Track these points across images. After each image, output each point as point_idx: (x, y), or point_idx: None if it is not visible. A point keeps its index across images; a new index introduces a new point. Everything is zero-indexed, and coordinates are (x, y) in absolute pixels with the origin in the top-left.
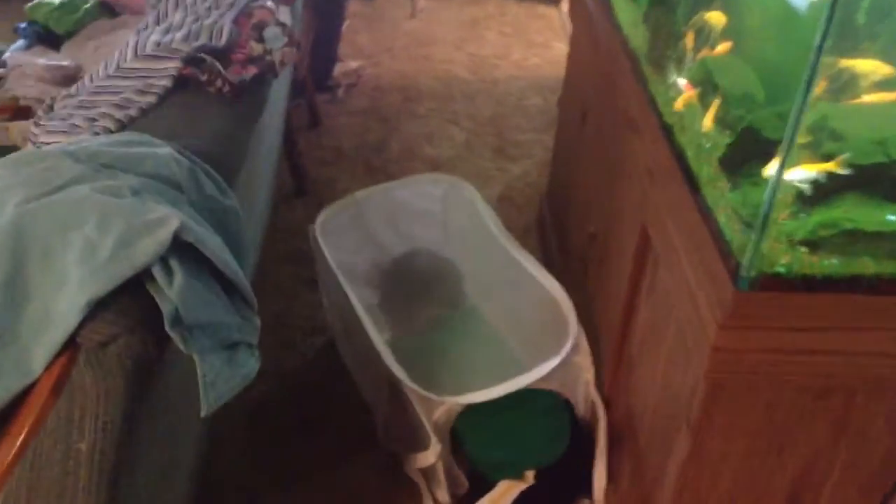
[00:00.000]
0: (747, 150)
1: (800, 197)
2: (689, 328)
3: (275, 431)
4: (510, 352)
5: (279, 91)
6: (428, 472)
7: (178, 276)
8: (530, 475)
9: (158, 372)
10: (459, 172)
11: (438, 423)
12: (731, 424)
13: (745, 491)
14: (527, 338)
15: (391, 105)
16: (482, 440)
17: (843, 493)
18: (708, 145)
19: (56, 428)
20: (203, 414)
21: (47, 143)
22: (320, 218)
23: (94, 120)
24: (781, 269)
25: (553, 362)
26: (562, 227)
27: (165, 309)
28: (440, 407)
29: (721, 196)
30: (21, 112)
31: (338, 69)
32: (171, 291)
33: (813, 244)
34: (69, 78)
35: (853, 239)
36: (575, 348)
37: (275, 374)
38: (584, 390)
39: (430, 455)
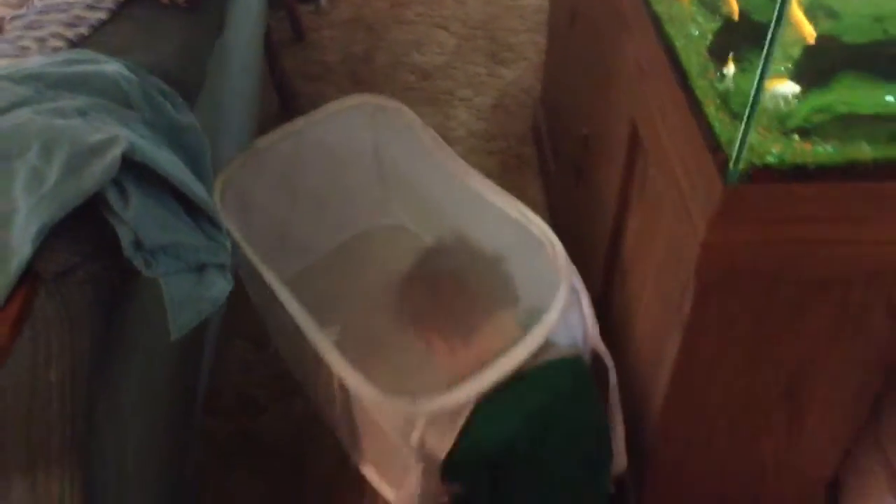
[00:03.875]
0: (735, 36)
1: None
2: (679, 227)
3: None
4: None
5: (250, 1)
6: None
7: (134, 199)
8: None
9: (126, 301)
10: (450, 80)
11: (422, 439)
12: (723, 322)
13: (741, 388)
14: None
15: (377, 12)
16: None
17: (840, 387)
18: (696, 33)
19: (24, 359)
20: (172, 338)
21: None
22: (219, 182)
23: (43, 40)
24: (772, 160)
25: (548, 321)
26: (556, 134)
27: (122, 233)
28: (416, 418)
29: (710, 87)
30: None
31: None
32: (128, 215)
33: (806, 131)
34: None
35: (849, 123)
36: (572, 299)
37: None
38: (588, 343)
39: (411, 480)
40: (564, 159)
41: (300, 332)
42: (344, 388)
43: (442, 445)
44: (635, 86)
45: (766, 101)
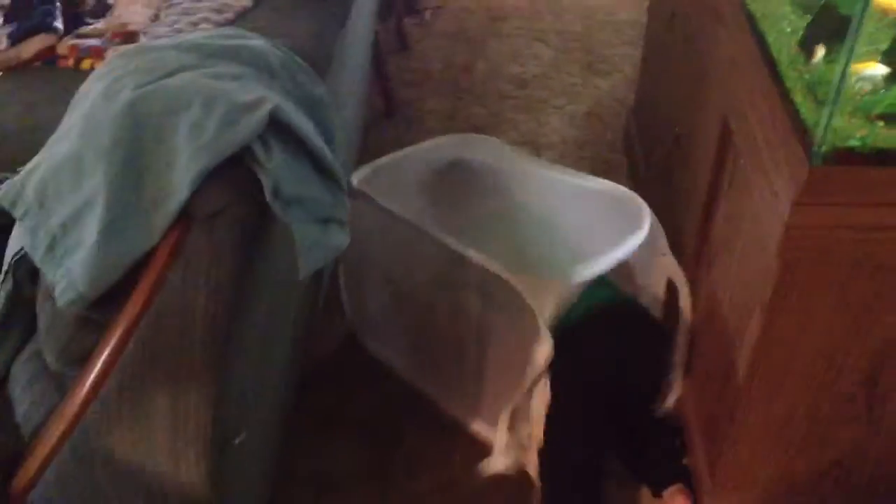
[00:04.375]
0: (824, 29)
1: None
2: (765, 211)
3: None
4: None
5: (366, 6)
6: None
7: (276, 153)
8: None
9: (260, 245)
10: (546, 90)
11: (552, 314)
12: (804, 304)
13: (820, 373)
14: (602, 237)
15: (477, 26)
16: None
17: None
18: (788, 29)
19: (175, 286)
20: (301, 276)
21: None
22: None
23: (196, 24)
24: (856, 143)
25: (639, 235)
26: (648, 140)
27: (266, 182)
28: (552, 291)
29: (799, 77)
30: (131, 37)
31: None
32: (270, 166)
33: (890, 117)
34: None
35: None
36: (653, 230)
37: None
38: (664, 270)
39: (543, 350)
40: (655, 163)
41: (439, 259)
42: (483, 297)
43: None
44: (727, 81)
45: (854, 83)
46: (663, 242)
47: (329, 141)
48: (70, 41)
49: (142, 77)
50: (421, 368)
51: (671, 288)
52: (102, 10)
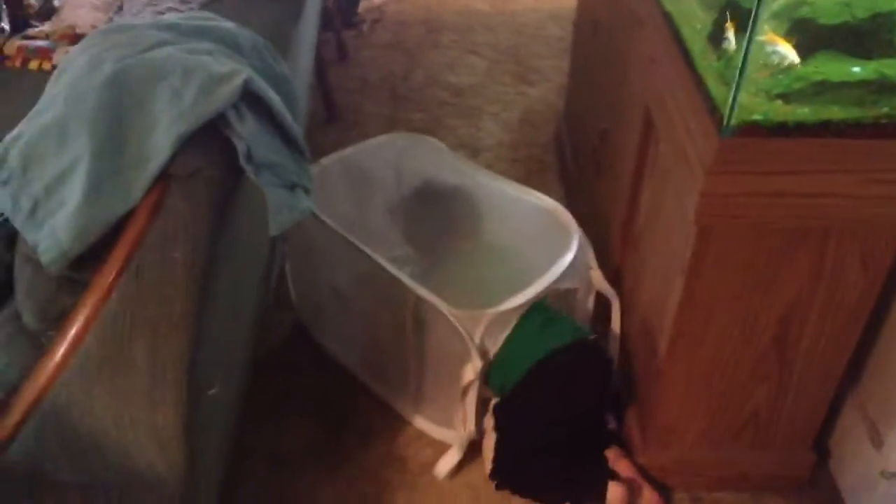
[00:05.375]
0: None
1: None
2: (683, 183)
3: None
4: (523, 267)
5: (313, 11)
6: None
7: (249, 121)
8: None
9: (231, 208)
10: (480, 98)
11: (482, 339)
12: (719, 267)
13: (735, 331)
14: (534, 251)
15: (414, 38)
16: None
17: (823, 337)
18: (698, 25)
19: (155, 241)
20: (271, 234)
21: None
22: None
23: (161, 13)
24: (759, 118)
25: (566, 259)
26: (577, 140)
27: (240, 147)
28: (481, 320)
29: (710, 66)
30: (77, 39)
31: (363, 6)
32: (243, 132)
33: (787, 96)
34: (117, 4)
35: (822, 89)
36: (581, 247)
37: None
38: (593, 285)
39: (470, 371)
40: (584, 160)
41: (378, 277)
42: (418, 318)
43: (493, 346)
44: (648, 75)
45: (764, 56)
46: (591, 256)
47: (294, 115)
48: (18, 42)
49: (123, 51)
50: (365, 366)
51: (600, 300)
52: (48, 13)
